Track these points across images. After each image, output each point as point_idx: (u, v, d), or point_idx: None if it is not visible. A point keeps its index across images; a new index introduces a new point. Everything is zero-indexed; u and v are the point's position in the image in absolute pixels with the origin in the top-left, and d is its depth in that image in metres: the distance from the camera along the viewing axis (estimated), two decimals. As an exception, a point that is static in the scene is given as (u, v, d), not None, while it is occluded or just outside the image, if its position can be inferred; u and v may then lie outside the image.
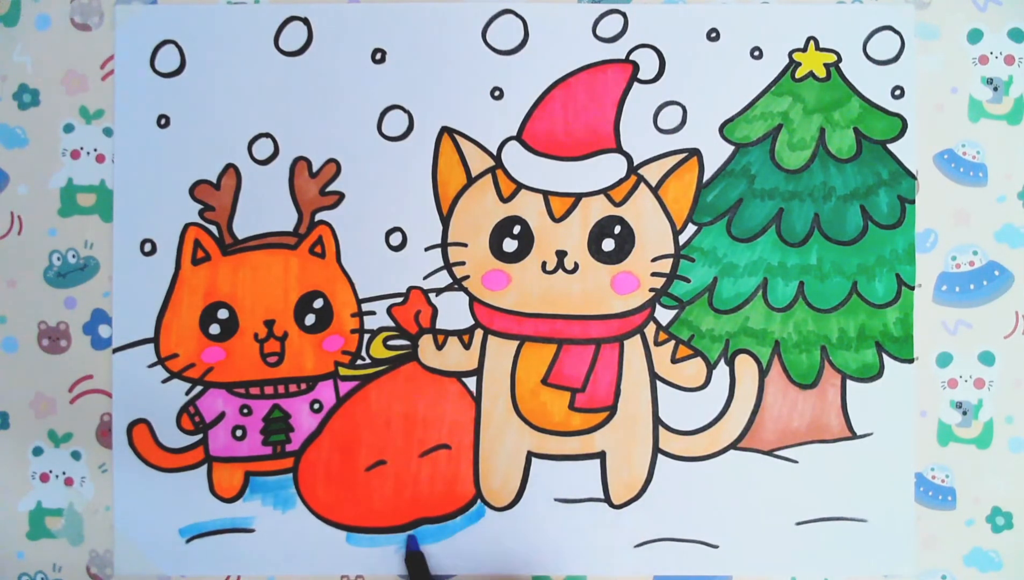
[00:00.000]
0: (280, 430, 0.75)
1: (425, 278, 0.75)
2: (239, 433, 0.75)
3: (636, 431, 0.75)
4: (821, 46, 0.76)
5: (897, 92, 0.76)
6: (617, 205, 0.75)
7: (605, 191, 0.75)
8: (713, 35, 0.75)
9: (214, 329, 0.75)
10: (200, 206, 0.75)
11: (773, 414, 0.75)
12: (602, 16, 0.75)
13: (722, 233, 0.75)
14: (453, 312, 0.75)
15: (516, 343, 0.75)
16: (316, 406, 0.75)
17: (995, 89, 0.76)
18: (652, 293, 0.75)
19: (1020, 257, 0.76)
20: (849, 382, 0.75)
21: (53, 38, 0.76)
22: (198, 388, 0.75)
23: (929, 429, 0.76)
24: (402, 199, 0.75)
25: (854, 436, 0.75)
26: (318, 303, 0.75)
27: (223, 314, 0.75)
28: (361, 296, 0.75)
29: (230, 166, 0.75)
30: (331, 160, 0.75)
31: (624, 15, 0.75)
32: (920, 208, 0.76)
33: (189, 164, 0.75)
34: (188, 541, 0.75)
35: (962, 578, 0.75)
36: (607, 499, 0.75)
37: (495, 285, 0.75)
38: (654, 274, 0.75)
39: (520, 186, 0.75)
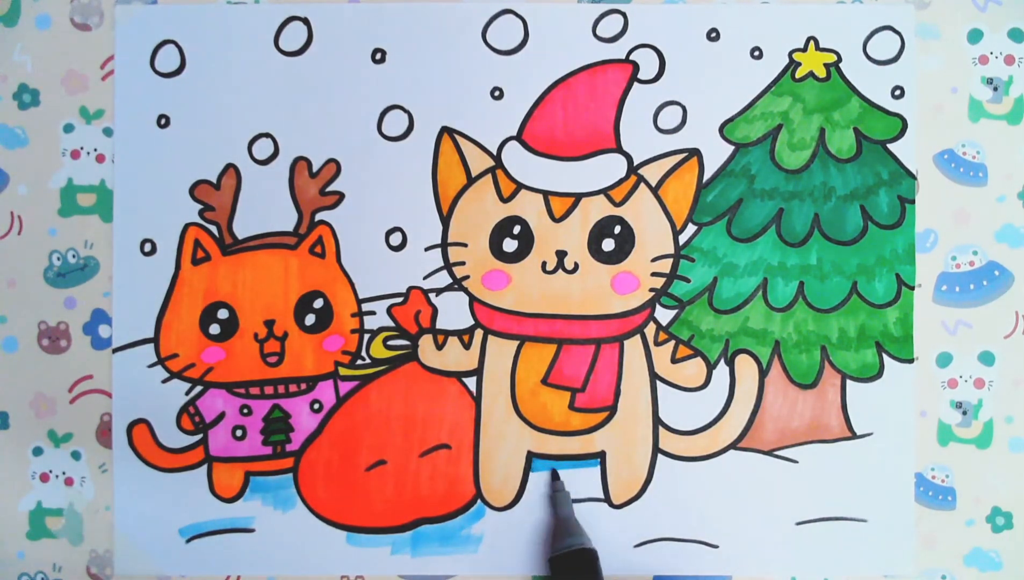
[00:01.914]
0: (280, 430, 0.75)
1: (425, 278, 0.75)
2: (239, 433, 0.75)
3: (636, 431, 0.75)
4: (821, 46, 0.76)
5: (897, 92, 0.76)
6: (617, 205, 0.75)
7: (605, 191, 0.75)
8: (713, 35, 0.75)
9: (214, 329, 0.75)
10: (200, 206, 0.75)
11: (773, 414, 0.75)
12: (602, 16, 0.75)
13: (722, 233, 0.75)
14: (453, 312, 0.75)
15: (516, 343, 0.75)
16: (316, 406, 0.75)
17: (995, 89, 0.76)
18: (652, 293, 0.75)
19: (1020, 257, 0.76)
20: (849, 382, 0.75)
21: (53, 38, 0.76)
22: (198, 388, 0.75)
23: (929, 429, 0.76)
24: (402, 199, 0.75)
25: (854, 436, 0.75)
26: (318, 303, 0.75)
27: (223, 314, 0.75)
28: (361, 296, 0.75)
29: (230, 166, 0.75)
30: (331, 160, 0.75)
31: (624, 15, 0.75)
32: (920, 208, 0.76)
33: (189, 164, 0.75)
34: (188, 541, 0.75)
35: (962, 578, 0.75)
36: (607, 499, 0.75)
37: (495, 285, 0.75)
38: (654, 274, 0.75)
39: (520, 186, 0.75)
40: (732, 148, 0.75)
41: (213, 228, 0.75)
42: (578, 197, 0.75)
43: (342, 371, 0.75)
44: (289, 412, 0.75)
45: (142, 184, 0.75)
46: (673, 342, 0.75)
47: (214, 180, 0.75)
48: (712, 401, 0.75)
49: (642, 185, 0.75)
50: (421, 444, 0.75)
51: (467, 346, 0.75)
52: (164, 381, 0.75)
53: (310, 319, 0.75)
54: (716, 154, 0.75)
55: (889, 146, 0.76)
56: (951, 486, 0.75)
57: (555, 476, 0.73)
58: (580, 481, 0.75)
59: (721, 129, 0.75)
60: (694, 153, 0.75)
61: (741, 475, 0.75)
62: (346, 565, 0.75)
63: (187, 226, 0.75)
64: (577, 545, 0.70)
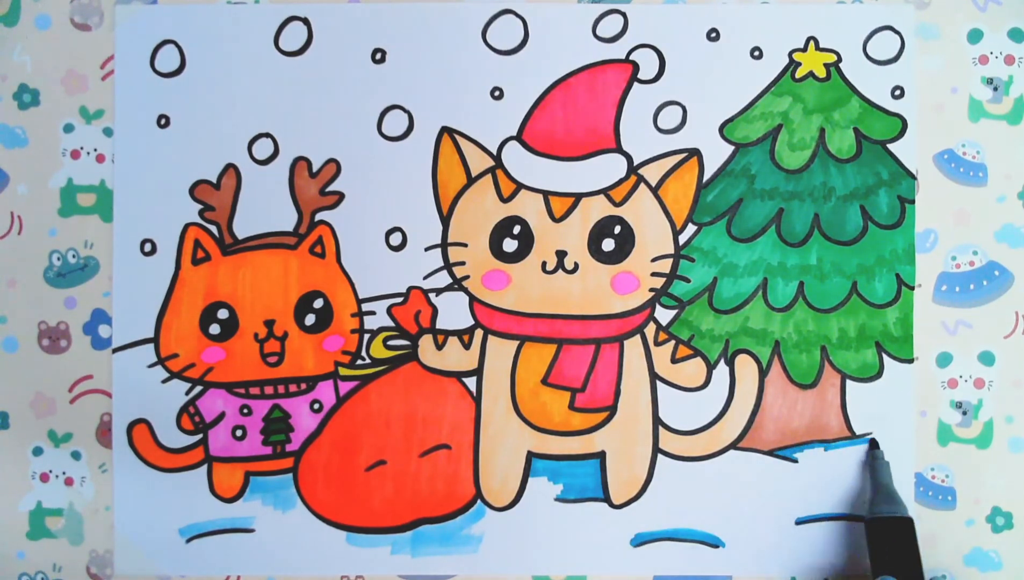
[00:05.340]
0: (280, 430, 0.75)
1: (425, 278, 0.75)
2: (239, 433, 0.75)
3: (636, 431, 0.75)
4: (821, 46, 0.76)
5: (897, 92, 0.76)
6: (617, 205, 0.75)
7: (605, 191, 0.75)
8: (713, 35, 0.75)
9: (214, 329, 0.75)
10: (200, 206, 0.75)
11: (773, 414, 0.75)
12: (602, 16, 0.75)
13: (722, 233, 0.75)
14: (453, 312, 0.75)
15: (516, 343, 0.75)
16: (316, 406, 0.75)
17: (995, 89, 0.76)
18: (652, 293, 0.75)
19: (1020, 257, 0.76)
20: (849, 382, 0.75)
21: (53, 38, 0.76)
22: (198, 388, 0.75)
23: (929, 429, 0.76)
24: (402, 199, 0.75)
25: (854, 436, 0.75)
26: (318, 303, 0.75)
27: (223, 314, 0.75)
28: (361, 296, 0.75)
29: (230, 166, 0.75)
30: (331, 160, 0.75)
31: (624, 15, 0.75)
32: (920, 208, 0.76)
33: (189, 164, 0.75)
34: (188, 541, 0.75)
35: (962, 578, 0.75)
36: (607, 499, 0.75)
37: (495, 285, 0.75)
38: (654, 274, 0.75)
39: (520, 186, 0.75)
40: (732, 148, 0.75)
41: (213, 228, 0.75)
42: (578, 197, 0.75)
43: (342, 371, 0.75)
44: (289, 412, 0.75)
45: (142, 184, 0.75)
46: (673, 342, 0.75)
47: (214, 180, 0.75)
48: (712, 401, 0.75)
49: (642, 185, 0.75)
50: (421, 444, 0.75)
51: (467, 346, 0.75)
52: (164, 381, 0.75)
53: (310, 319, 0.75)
54: (716, 154, 0.75)
55: (889, 146, 0.76)
56: (951, 486, 0.75)
57: (874, 445, 0.74)
58: (580, 481, 0.75)
59: (721, 129, 0.75)
60: (694, 153, 0.75)
61: (741, 475, 0.75)
62: (346, 565, 0.75)
63: (187, 226, 0.75)
64: (897, 513, 0.70)
